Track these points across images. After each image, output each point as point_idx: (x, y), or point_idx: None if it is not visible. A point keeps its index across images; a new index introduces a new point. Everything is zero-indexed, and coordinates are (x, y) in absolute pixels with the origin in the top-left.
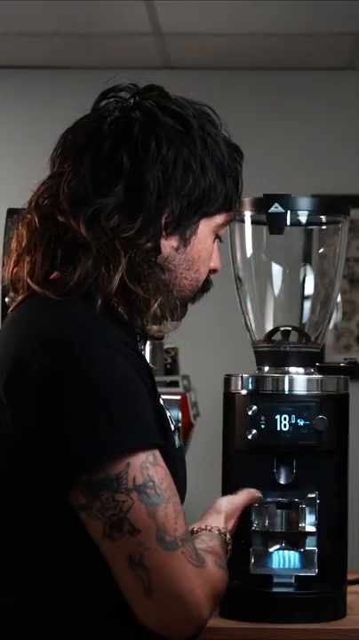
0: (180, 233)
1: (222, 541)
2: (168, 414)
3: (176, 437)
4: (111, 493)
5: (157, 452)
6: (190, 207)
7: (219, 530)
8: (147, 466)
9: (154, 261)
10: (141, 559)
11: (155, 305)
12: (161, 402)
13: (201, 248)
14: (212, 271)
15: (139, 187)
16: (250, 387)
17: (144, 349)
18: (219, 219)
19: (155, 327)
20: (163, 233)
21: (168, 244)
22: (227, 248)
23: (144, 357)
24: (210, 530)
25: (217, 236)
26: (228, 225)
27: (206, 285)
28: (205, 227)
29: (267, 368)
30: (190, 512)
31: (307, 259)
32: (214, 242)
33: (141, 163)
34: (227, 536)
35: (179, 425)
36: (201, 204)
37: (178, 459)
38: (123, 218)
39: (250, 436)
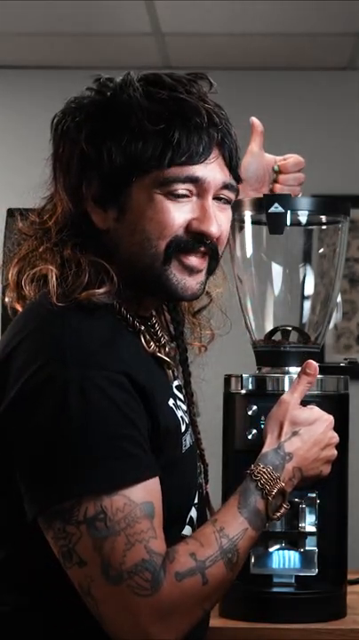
0: (113, 202)
1: (243, 494)
2: (179, 414)
3: (187, 437)
4: (62, 524)
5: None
6: (110, 176)
7: (250, 472)
8: (103, 497)
9: (95, 237)
10: (89, 590)
11: (110, 272)
12: (170, 403)
13: (143, 209)
14: (204, 236)
15: (53, 171)
16: (250, 387)
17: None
18: (153, 177)
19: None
20: (94, 206)
21: (108, 217)
22: (226, 248)
23: (139, 357)
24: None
25: (172, 194)
26: (178, 181)
27: (186, 245)
28: (140, 188)
29: (267, 368)
30: None
31: (306, 259)
32: (168, 200)
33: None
34: (257, 469)
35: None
36: (121, 170)
37: (186, 459)
38: (48, 207)
39: (250, 436)
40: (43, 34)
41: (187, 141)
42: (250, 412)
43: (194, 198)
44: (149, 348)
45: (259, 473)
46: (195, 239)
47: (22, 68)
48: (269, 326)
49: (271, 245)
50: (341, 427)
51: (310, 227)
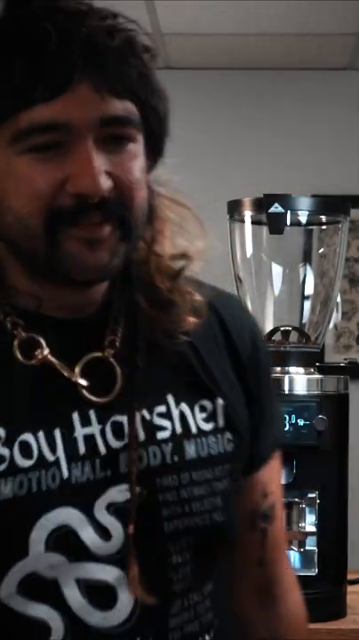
0: None
1: None
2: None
3: (7, 484)
4: None
5: None
6: None
7: None
8: None
9: None
10: None
11: None
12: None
13: (3, 179)
14: (86, 197)
15: None
16: None
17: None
18: (4, 134)
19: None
20: None
21: None
22: (227, 248)
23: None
24: None
25: (32, 150)
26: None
27: (70, 216)
28: None
29: None
30: None
31: (307, 259)
32: (30, 161)
33: None
34: None
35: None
36: None
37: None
38: None
39: None
40: None
41: (32, 75)
42: None
43: (63, 149)
44: (33, 359)
45: None
46: (79, 204)
47: None
48: (269, 326)
49: (271, 245)
50: (341, 427)
51: (310, 227)
